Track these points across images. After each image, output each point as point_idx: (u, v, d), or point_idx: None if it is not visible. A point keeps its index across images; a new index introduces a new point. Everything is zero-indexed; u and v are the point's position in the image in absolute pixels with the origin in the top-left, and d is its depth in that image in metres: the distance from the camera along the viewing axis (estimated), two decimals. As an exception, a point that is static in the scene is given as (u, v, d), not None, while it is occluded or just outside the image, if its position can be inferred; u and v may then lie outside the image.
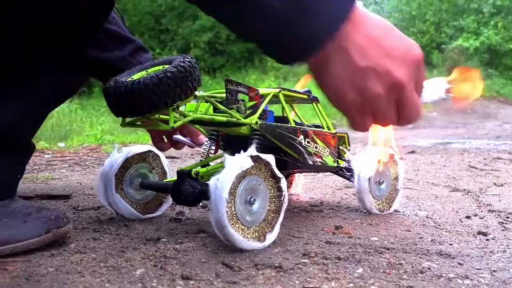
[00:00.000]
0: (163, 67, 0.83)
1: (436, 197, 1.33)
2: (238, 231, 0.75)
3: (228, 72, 9.41)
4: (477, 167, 2.04)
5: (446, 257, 0.77)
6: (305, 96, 1.05)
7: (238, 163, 0.75)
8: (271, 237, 0.80)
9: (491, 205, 1.24)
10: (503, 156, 2.47)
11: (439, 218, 1.06)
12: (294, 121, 0.98)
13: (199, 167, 0.92)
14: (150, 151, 1.00)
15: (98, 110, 4.87)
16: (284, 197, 0.82)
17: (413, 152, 2.72)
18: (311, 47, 0.55)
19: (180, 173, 0.88)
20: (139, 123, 0.86)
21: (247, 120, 0.86)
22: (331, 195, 1.35)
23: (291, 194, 1.30)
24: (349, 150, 1.11)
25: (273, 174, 0.81)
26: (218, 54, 10.49)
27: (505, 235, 0.93)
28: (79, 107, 4.56)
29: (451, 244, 0.85)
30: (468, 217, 1.08)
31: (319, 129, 1.02)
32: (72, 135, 3.27)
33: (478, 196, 1.36)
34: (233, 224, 0.74)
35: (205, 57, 9.91)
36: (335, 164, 1.04)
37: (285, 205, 0.82)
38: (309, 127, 1.01)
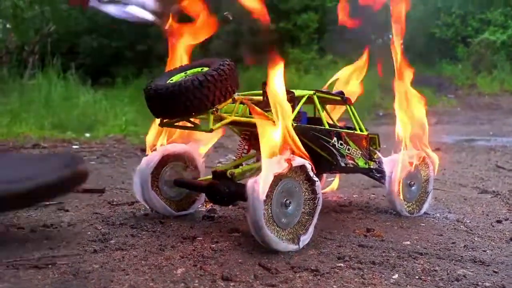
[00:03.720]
0: (201, 69, 0.84)
1: (465, 199, 1.33)
2: (274, 233, 0.76)
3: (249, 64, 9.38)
4: (505, 167, 2.01)
5: (480, 264, 0.77)
6: (339, 98, 1.05)
7: (275, 166, 0.76)
8: (305, 239, 0.81)
9: (522, 209, 1.22)
10: (531, 156, 2.42)
11: (470, 222, 1.06)
12: (327, 122, 0.99)
13: (233, 167, 0.94)
14: (185, 150, 1.02)
15: (121, 100, 4.90)
16: (318, 200, 0.83)
17: (437, 149, 2.68)
18: None
19: (216, 173, 0.90)
20: (177, 124, 0.88)
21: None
22: (358, 195, 1.35)
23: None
24: (379, 150, 1.11)
25: (308, 177, 0.82)
26: (239, 46, 10.46)
27: (538, 242, 0.92)
28: (103, 98, 4.60)
29: (484, 251, 0.85)
30: (499, 221, 1.07)
31: (352, 131, 1.02)
32: (97, 125, 3.32)
33: (508, 198, 1.35)
34: (269, 225, 0.76)
35: (226, 49, 9.91)
36: (366, 166, 1.05)
37: (319, 208, 0.83)
38: (342, 128, 1.01)
